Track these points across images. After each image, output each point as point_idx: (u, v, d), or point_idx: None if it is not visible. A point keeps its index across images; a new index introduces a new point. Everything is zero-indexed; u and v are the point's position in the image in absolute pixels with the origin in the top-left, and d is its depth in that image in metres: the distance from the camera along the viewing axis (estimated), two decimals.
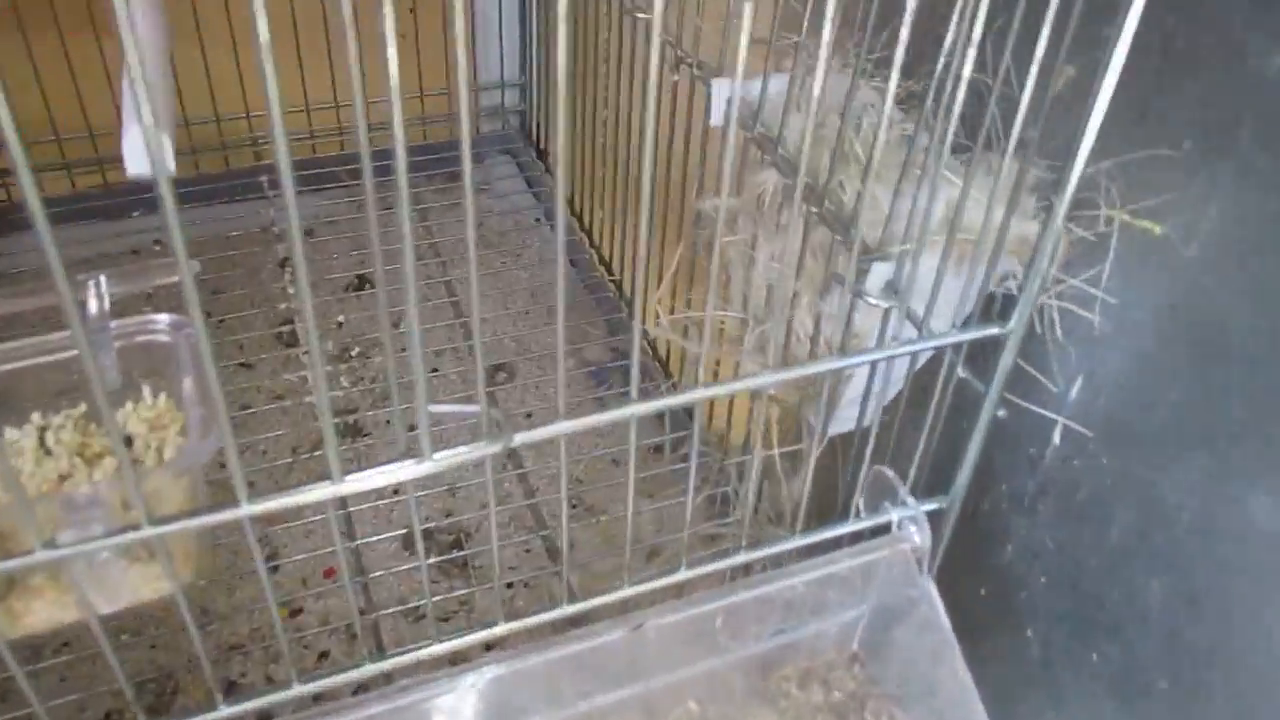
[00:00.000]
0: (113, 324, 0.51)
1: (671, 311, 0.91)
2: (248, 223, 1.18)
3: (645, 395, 0.50)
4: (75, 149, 1.16)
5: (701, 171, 0.83)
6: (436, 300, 1.07)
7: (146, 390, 0.55)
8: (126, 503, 0.45)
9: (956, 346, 0.56)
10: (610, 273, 1.13)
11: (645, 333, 1.05)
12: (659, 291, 0.87)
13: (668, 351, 1.01)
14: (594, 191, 1.13)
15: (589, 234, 1.18)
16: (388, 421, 1.00)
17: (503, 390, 1.02)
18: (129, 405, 0.55)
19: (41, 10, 1.08)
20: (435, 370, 1.04)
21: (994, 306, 0.60)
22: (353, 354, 1.06)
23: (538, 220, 1.25)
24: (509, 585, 0.86)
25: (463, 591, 0.84)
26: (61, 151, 1.16)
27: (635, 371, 0.46)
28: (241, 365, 1.03)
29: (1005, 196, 0.58)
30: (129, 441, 0.52)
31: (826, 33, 0.41)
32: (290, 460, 0.94)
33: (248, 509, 0.39)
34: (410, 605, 0.83)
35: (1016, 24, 0.48)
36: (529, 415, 1.00)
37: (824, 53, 0.42)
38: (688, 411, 0.96)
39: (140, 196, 1.17)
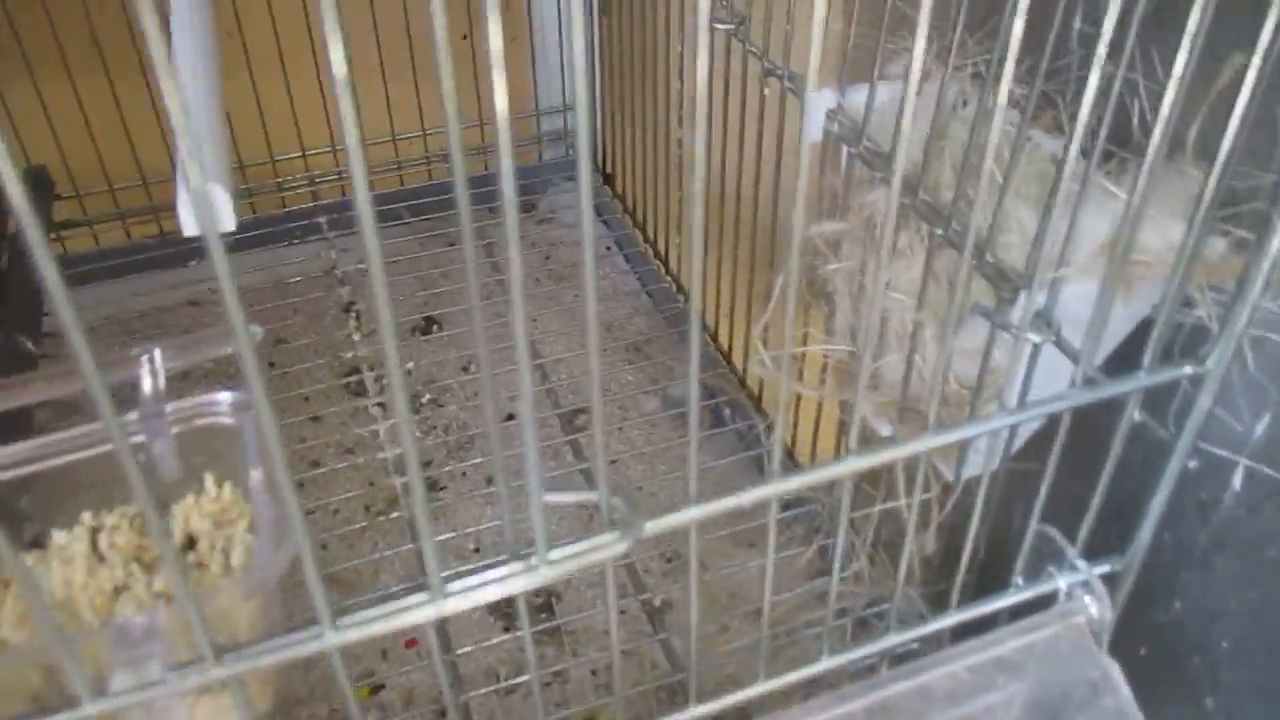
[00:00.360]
0: (169, 406, 0.45)
1: (766, 344, 0.84)
2: (308, 266, 1.12)
3: (741, 437, 0.43)
4: (129, 198, 1.12)
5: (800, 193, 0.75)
6: (508, 342, 1.01)
7: (209, 480, 0.49)
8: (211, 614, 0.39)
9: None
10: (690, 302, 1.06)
11: (735, 367, 0.98)
12: (759, 326, 0.80)
13: (760, 385, 0.93)
14: (668, 216, 1.06)
15: (664, 261, 1.12)
16: (464, 474, 0.93)
17: (585, 437, 0.95)
18: (190, 498, 0.48)
19: (88, 52, 1.03)
20: (510, 417, 0.97)
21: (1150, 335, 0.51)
22: (423, 401, 1.00)
23: (608, 249, 1.19)
24: (605, 650, 0.79)
25: (556, 667, 0.77)
26: (115, 201, 1.12)
27: (778, 452, 0.39)
28: (310, 419, 0.98)
29: (1184, 211, 0.50)
30: (191, 542, 0.46)
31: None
32: (364, 524, 0.88)
33: (334, 638, 0.33)
34: (503, 684, 0.77)
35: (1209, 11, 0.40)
36: (613, 463, 0.93)
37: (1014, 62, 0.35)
38: (788, 454, 0.89)
39: (196, 245, 1.12)
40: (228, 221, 0.49)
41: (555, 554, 0.36)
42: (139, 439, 0.45)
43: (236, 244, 1.15)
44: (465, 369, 1.04)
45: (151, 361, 0.45)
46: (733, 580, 0.82)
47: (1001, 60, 0.35)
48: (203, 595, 0.39)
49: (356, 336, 0.98)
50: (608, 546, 0.36)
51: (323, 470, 0.93)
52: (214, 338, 0.47)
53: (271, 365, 1.03)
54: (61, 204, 1.12)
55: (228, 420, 0.46)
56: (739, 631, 0.78)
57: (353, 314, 1.02)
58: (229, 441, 0.46)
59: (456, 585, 0.35)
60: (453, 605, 0.34)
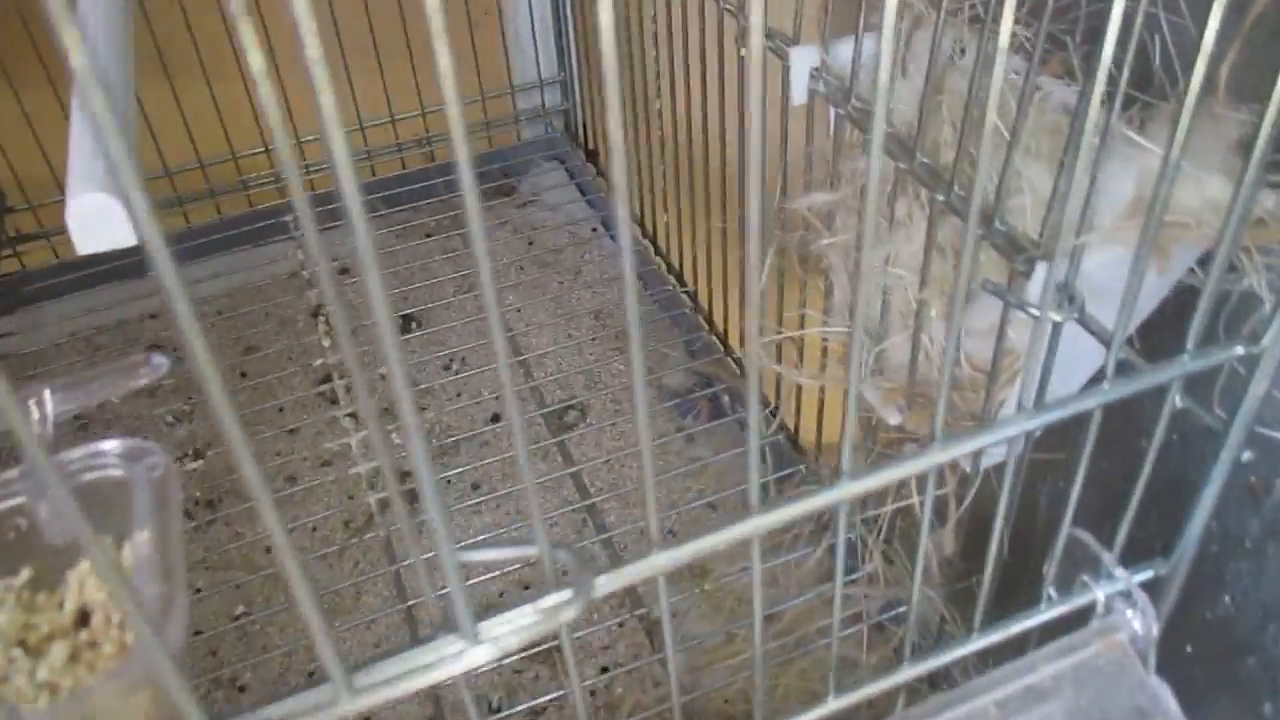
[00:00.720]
0: (53, 459, 0.39)
1: (763, 330, 0.77)
2: (276, 268, 1.06)
3: (744, 427, 0.36)
4: None
5: (785, 162, 0.69)
6: (490, 337, 0.95)
7: (106, 542, 0.43)
8: (90, 716, 0.33)
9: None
10: (682, 283, 0.99)
11: (733, 350, 0.92)
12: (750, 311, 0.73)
13: (760, 371, 0.87)
14: (654, 192, 0.99)
15: (653, 241, 1.05)
16: (449, 481, 0.88)
17: (575, 436, 0.89)
18: (84, 564, 0.42)
19: (29, 60, 0.97)
20: (496, 418, 0.91)
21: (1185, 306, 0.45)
22: None
23: (594, 230, 1.12)
24: (604, 670, 0.74)
25: (553, 694, 0.71)
26: None
27: (754, 477, 0.32)
28: (286, 432, 0.92)
29: (1221, 161, 0.44)
30: (84, 617, 0.40)
31: None
32: (340, 546, 0.82)
33: None
34: (497, 714, 0.71)
35: None
36: (606, 462, 0.87)
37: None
38: (792, 441, 0.83)
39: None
40: (128, 236, 0.43)
41: (488, 626, 0.30)
42: (20, 500, 0.39)
43: (202, 248, 1.09)
44: (447, 368, 0.98)
45: (40, 405, 0.39)
46: (738, 584, 0.76)
47: None
48: (74, 698, 0.33)
49: (327, 342, 0.92)
50: (555, 613, 0.30)
51: (300, 487, 0.87)
52: (113, 373, 0.41)
53: (243, 375, 0.97)
54: (16, 216, 1.06)
55: (117, 472, 0.40)
56: (747, 641, 0.72)
57: (323, 318, 0.95)
58: (120, 496, 0.40)
59: (368, 676, 0.29)
60: (360, 704, 0.28)
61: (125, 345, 1.01)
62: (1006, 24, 0.29)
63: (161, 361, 0.42)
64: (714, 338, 0.93)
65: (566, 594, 0.31)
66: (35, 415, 0.39)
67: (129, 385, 0.41)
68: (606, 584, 0.32)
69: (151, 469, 0.40)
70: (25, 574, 0.42)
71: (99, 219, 0.46)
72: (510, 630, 0.30)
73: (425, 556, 0.29)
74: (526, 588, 0.80)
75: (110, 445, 0.40)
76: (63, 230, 1.12)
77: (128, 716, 0.35)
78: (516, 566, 0.79)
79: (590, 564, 0.31)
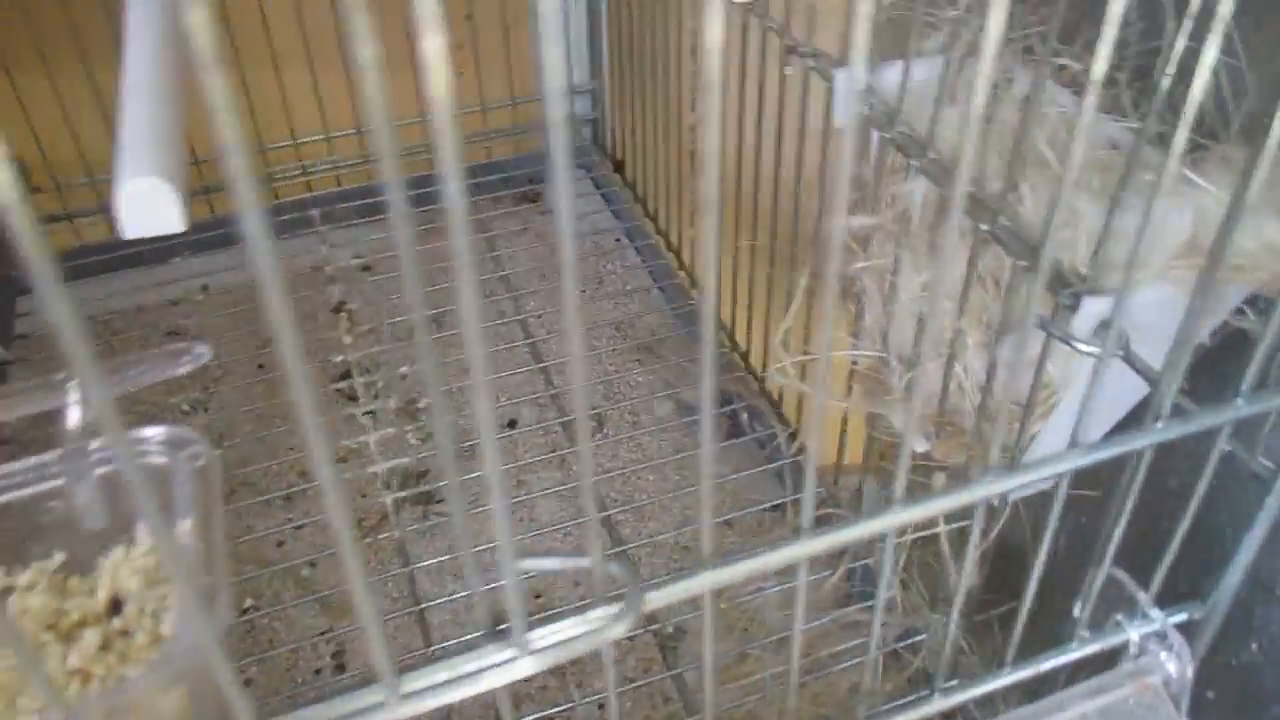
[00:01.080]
0: (94, 443, 0.38)
1: (789, 348, 0.77)
2: (299, 262, 1.06)
3: (762, 445, 0.36)
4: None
5: (824, 185, 0.69)
6: (510, 342, 0.94)
7: (141, 530, 0.42)
8: (111, 711, 0.33)
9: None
10: None
11: (753, 368, 0.91)
12: (780, 332, 0.73)
13: (780, 389, 0.87)
14: (681, 205, 0.99)
15: (677, 254, 1.05)
16: (463, 484, 0.87)
17: (593, 446, 0.88)
18: (119, 551, 0.42)
19: (65, 40, 0.97)
20: (513, 423, 0.91)
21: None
22: (419, 406, 0.94)
23: (618, 241, 1.12)
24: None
25: (562, 706, 0.71)
26: (97, 194, 1.06)
27: (809, 502, 0.32)
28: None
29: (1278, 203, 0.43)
30: (117, 606, 0.40)
31: None
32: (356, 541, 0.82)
33: None
34: None
35: None
36: (622, 473, 0.87)
37: None
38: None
39: (183, 240, 1.06)
40: (175, 222, 0.42)
41: (539, 635, 0.30)
42: (58, 482, 0.38)
43: (226, 239, 1.09)
44: (468, 371, 0.97)
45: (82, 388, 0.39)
46: (752, 605, 0.75)
47: (1086, 44, 0.28)
48: (110, 692, 0.33)
49: (348, 339, 0.92)
50: (605, 628, 0.30)
51: (313, 483, 0.87)
52: (158, 358, 0.41)
53: (260, 367, 0.97)
54: (41, 197, 1.06)
55: (159, 459, 0.40)
56: (760, 662, 0.72)
57: (344, 314, 0.95)
58: (160, 484, 0.40)
59: (416, 681, 0.28)
60: (408, 710, 0.28)
61: (143, 331, 1.01)
62: (1099, 67, 0.29)
63: (204, 351, 0.41)
64: (736, 355, 0.93)
65: (616, 608, 0.30)
66: (74, 398, 0.39)
67: (170, 372, 0.41)
68: (657, 599, 0.31)
69: (194, 458, 0.39)
70: (58, 558, 0.42)
71: (148, 203, 0.46)
72: (558, 642, 0.30)
73: (476, 550, 0.29)
74: (541, 594, 0.79)
75: (152, 432, 0.40)
76: (86, 213, 1.12)
77: (165, 708, 0.34)
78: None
79: (637, 577, 0.31)
